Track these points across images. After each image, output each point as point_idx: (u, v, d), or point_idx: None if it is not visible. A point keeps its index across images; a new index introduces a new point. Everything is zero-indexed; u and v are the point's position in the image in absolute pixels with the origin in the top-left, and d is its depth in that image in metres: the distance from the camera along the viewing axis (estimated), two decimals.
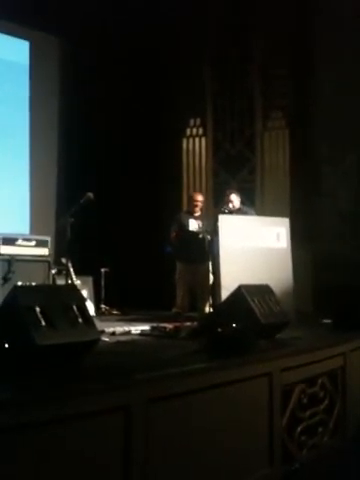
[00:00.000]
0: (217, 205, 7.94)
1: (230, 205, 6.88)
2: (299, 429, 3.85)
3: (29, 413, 2.29)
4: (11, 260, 6.24)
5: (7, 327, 2.74)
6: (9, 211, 7.88)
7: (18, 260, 6.29)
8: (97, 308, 7.37)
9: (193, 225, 6.97)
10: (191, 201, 7.31)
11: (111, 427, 2.61)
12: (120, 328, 5.01)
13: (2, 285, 6.03)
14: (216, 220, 6.25)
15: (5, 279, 6.10)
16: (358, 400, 4.55)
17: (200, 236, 6.74)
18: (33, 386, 2.49)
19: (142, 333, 4.91)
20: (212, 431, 3.12)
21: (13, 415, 2.24)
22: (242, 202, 7.09)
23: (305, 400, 3.93)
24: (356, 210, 7.93)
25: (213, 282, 6.46)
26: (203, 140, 8.91)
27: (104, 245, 8.11)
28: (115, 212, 8.55)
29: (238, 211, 6.91)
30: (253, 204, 8.06)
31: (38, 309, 2.74)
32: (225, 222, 6.22)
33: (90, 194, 6.19)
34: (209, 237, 6.54)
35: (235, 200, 6.94)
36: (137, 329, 5.01)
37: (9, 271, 6.16)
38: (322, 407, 4.17)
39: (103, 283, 7.68)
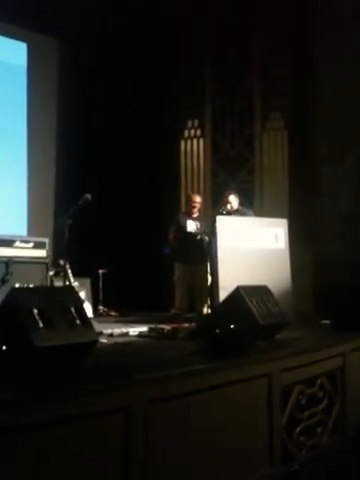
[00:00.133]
0: (215, 206, 7.93)
1: (228, 206, 6.86)
2: (298, 429, 3.85)
3: (29, 413, 2.29)
4: (9, 262, 6.23)
5: (5, 329, 2.74)
6: (7, 212, 7.87)
7: (16, 262, 6.29)
8: (95, 310, 7.37)
9: (191, 226, 6.97)
10: (189, 202, 7.32)
11: (111, 427, 2.61)
12: (118, 329, 5.00)
13: (0, 287, 6.03)
14: (214, 221, 6.24)
15: (3, 281, 6.10)
16: (357, 400, 4.55)
17: (198, 237, 6.74)
18: (33, 386, 2.49)
19: (140, 334, 4.90)
20: (212, 432, 3.12)
21: (13, 415, 2.24)
22: (241, 203, 7.09)
23: (304, 401, 3.93)
24: (356, 210, 7.93)
25: (211, 283, 6.46)
26: (201, 141, 8.91)
27: (103, 246, 8.11)
28: (115, 212, 8.55)
29: (236, 212, 6.90)
30: (252, 205, 8.06)
31: (36, 311, 2.74)
32: (223, 223, 6.21)
33: (88, 195, 6.20)
34: (207, 238, 6.54)
35: (234, 201, 6.93)
36: (135, 330, 5.00)
37: (7, 273, 6.16)
38: (321, 407, 4.17)
39: (101, 284, 7.68)
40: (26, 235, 7.85)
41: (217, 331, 3.61)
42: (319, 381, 4.16)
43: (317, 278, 7.69)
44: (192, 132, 8.97)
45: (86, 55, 8.53)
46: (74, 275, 6.51)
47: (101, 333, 4.47)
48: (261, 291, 4.38)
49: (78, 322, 2.90)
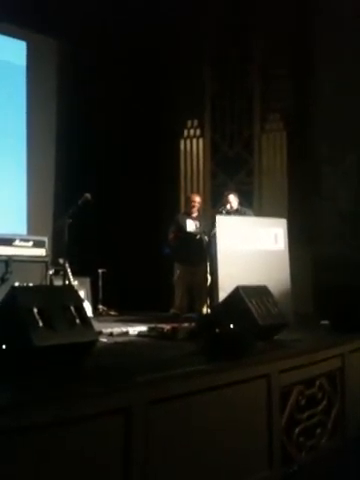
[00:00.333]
0: (215, 206, 7.94)
1: (228, 206, 6.86)
2: (297, 430, 3.84)
3: (29, 414, 2.29)
4: (8, 261, 6.23)
5: (5, 328, 2.73)
6: (6, 212, 7.87)
7: (15, 261, 6.28)
8: (95, 309, 7.37)
9: (191, 226, 6.97)
10: (189, 202, 7.33)
11: (111, 428, 2.61)
12: (118, 329, 5.00)
13: None
14: (214, 221, 6.24)
15: (2, 279, 6.09)
16: (357, 401, 4.54)
17: (198, 237, 6.73)
18: (33, 387, 2.49)
19: (140, 334, 4.90)
20: (212, 432, 3.12)
21: (13, 415, 2.23)
22: (240, 203, 7.08)
23: (303, 401, 3.93)
24: (356, 210, 7.93)
25: (211, 283, 6.45)
26: (201, 141, 8.91)
27: (103, 245, 8.10)
28: (115, 212, 8.54)
29: (236, 212, 6.90)
30: (251, 206, 8.05)
31: (36, 310, 2.74)
32: (223, 223, 6.21)
33: (88, 195, 6.19)
34: (207, 238, 6.53)
35: (233, 201, 6.92)
36: (135, 330, 5.00)
37: (6, 272, 6.15)
38: (320, 408, 4.16)
39: (101, 284, 7.68)
40: (26, 234, 7.83)
41: (217, 331, 3.60)
42: (318, 382, 4.15)
43: (317, 279, 7.69)
44: (192, 132, 8.97)
45: (86, 55, 8.52)
46: (74, 274, 6.51)
47: (101, 332, 4.47)
48: (261, 291, 4.38)
49: (78, 321, 2.90)
